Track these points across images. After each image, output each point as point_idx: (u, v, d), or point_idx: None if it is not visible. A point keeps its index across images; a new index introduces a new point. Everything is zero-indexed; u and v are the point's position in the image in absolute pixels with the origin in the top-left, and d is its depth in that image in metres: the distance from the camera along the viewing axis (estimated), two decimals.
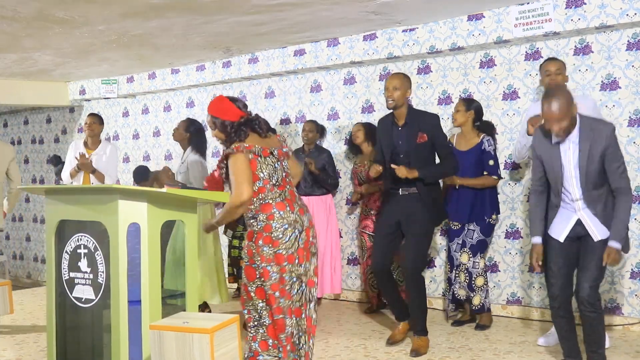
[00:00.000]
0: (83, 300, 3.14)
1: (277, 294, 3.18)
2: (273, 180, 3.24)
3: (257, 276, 3.22)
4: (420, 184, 4.04)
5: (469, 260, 4.69)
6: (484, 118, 5.21)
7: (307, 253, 3.31)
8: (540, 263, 3.56)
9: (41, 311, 5.63)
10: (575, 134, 3.37)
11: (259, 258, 3.19)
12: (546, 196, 3.60)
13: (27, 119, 9.43)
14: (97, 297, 3.09)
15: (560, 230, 3.49)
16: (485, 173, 4.67)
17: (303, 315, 3.29)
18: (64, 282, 3.22)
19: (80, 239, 3.15)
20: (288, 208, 3.24)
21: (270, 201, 3.21)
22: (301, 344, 3.28)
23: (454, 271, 4.76)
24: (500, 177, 4.74)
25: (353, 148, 5.69)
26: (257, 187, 3.21)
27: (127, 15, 4.97)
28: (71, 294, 3.18)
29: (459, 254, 4.73)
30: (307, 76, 6.35)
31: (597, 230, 3.40)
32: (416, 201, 4.07)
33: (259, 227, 3.21)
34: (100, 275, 3.07)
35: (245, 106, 3.36)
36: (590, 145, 3.33)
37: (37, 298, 6.41)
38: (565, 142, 3.41)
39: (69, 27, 5.27)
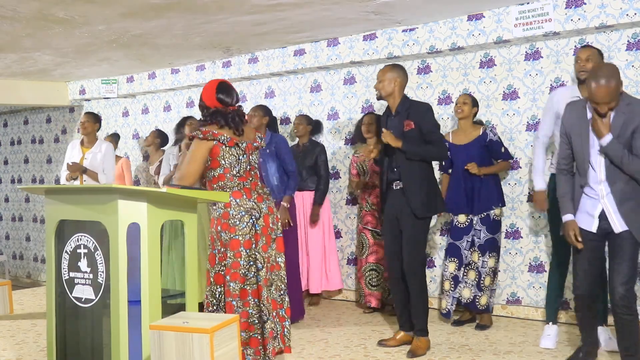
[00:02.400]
0: (83, 300, 3.15)
1: (227, 277, 3.33)
2: (234, 171, 3.41)
3: (217, 261, 3.40)
4: (405, 178, 4.02)
5: (478, 259, 4.68)
6: (483, 118, 5.25)
7: (267, 238, 3.45)
8: (580, 239, 3.37)
9: (41, 311, 5.63)
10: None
11: (218, 243, 3.38)
12: (572, 176, 3.49)
13: (27, 119, 9.43)
14: (97, 297, 3.09)
15: (589, 221, 3.39)
16: (498, 161, 4.74)
17: (265, 296, 3.38)
18: (63, 282, 3.22)
19: (80, 239, 3.16)
20: (245, 196, 3.40)
21: (228, 190, 3.38)
22: (262, 324, 3.37)
23: (462, 269, 4.73)
24: (513, 158, 4.92)
25: (359, 137, 5.55)
26: (217, 174, 3.41)
27: (127, 15, 4.97)
28: (71, 294, 3.19)
29: (469, 252, 4.72)
30: (307, 76, 6.35)
31: (618, 221, 3.29)
32: (403, 196, 4.05)
33: (217, 214, 3.40)
34: (100, 275, 3.07)
35: (230, 99, 3.52)
36: (623, 121, 3.25)
37: (37, 298, 6.41)
38: None
39: (69, 27, 5.27)
